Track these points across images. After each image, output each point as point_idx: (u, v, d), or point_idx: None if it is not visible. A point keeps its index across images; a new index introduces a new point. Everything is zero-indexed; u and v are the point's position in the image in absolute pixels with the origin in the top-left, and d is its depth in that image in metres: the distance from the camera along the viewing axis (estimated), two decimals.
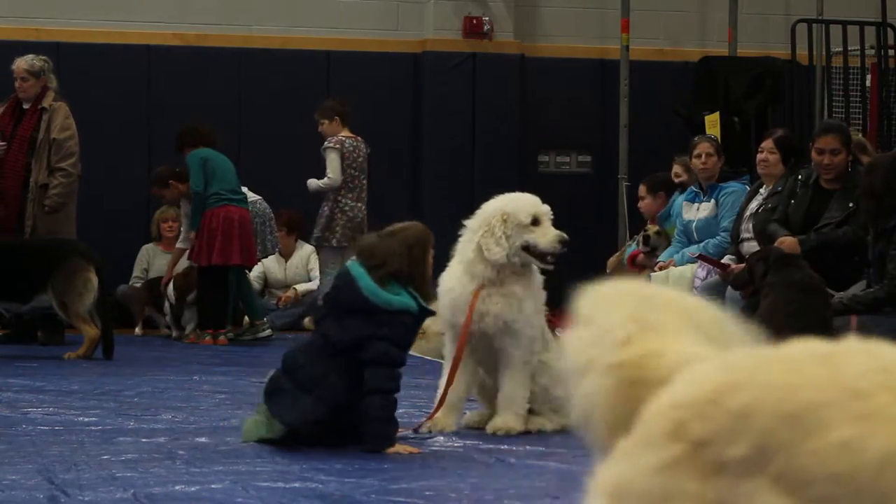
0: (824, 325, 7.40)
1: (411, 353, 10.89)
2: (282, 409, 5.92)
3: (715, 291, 9.43)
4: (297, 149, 13.83)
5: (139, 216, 13.62)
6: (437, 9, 14.37)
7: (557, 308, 8.12)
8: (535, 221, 6.63)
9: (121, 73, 13.77)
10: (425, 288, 6.07)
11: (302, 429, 5.87)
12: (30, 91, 11.26)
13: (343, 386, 5.85)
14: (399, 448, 5.87)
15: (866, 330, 7.68)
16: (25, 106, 11.31)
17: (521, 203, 6.69)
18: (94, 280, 10.22)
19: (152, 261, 13.24)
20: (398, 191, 14.30)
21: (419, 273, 6.01)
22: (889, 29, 13.25)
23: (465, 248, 6.64)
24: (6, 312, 11.42)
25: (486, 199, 6.85)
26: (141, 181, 13.63)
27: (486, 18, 14.36)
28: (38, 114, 11.23)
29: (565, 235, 6.60)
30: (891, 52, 13.22)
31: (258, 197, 12.82)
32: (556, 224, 6.69)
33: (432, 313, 6.21)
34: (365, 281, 5.85)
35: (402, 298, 5.87)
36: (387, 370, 5.84)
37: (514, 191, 6.92)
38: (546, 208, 6.70)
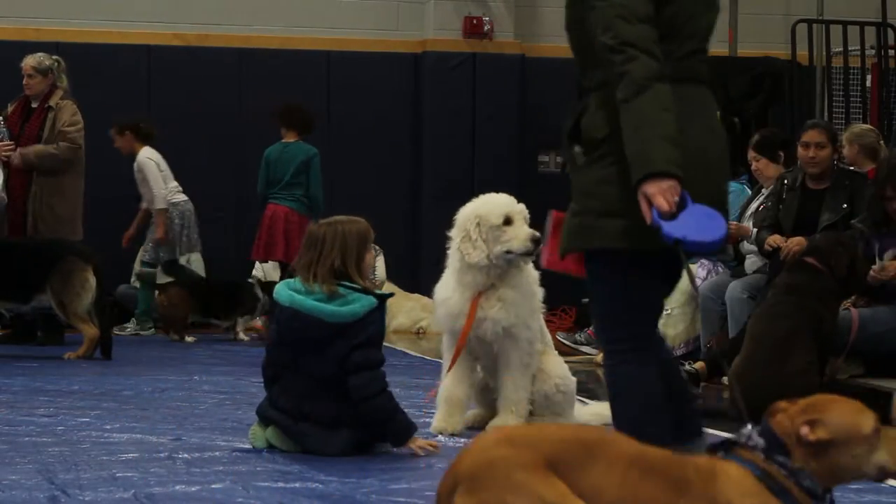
0: (814, 326, 7.36)
1: (411, 352, 10.95)
2: (316, 445, 5.83)
3: (716, 291, 9.44)
4: None
5: None
6: (437, 9, 14.37)
7: (557, 308, 8.15)
8: (508, 221, 6.57)
9: (121, 73, 13.77)
10: (362, 282, 5.87)
11: (346, 454, 5.81)
12: (35, 88, 11.28)
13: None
14: (421, 443, 5.87)
15: (868, 328, 7.69)
16: (34, 105, 11.35)
17: (493, 204, 6.63)
18: (92, 280, 10.21)
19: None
20: (398, 191, 14.30)
21: (354, 268, 5.84)
22: (889, 29, 13.24)
23: (452, 257, 6.65)
24: (6, 312, 11.42)
25: None
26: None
27: (486, 18, 14.36)
28: (45, 113, 11.25)
29: (537, 234, 6.43)
30: (891, 52, 13.22)
31: (185, 198, 12.83)
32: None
33: (390, 295, 6.11)
34: (322, 310, 5.73)
35: (362, 302, 5.76)
36: (369, 373, 5.78)
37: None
38: (520, 207, 6.60)
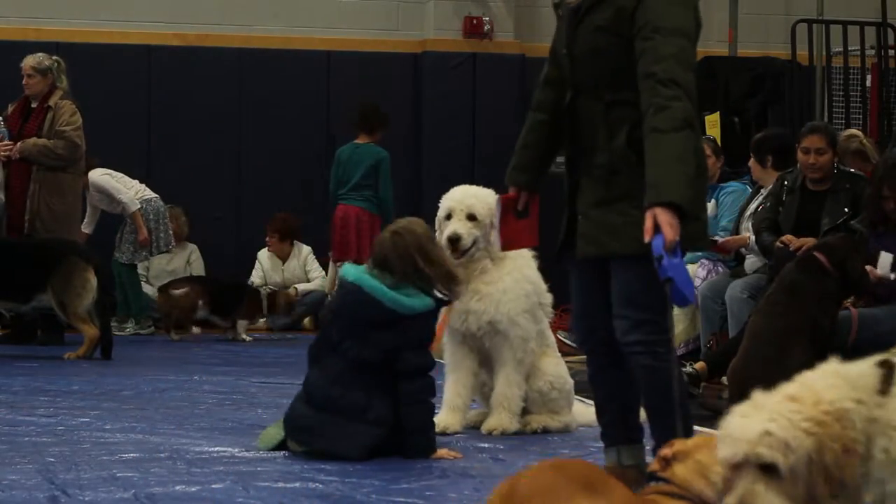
0: (810, 326, 7.35)
1: None
2: (331, 443, 5.75)
3: (715, 291, 9.44)
4: (297, 149, 13.84)
5: None
6: (437, 9, 14.37)
7: (558, 308, 8.10)
8: (448, 216, 6.65)
9: (121, 73, 13.77)
10: (451, 284, 5.90)
11: (360, 457, 5.70)
12: (35, 88, 11.29)
13: (389, 403, 5.77)
14: (442, 453, 5.85)
15: (867, 328, 7.68)
16: (33, 105, 11.37)
17: (447, 196, 6.74)
18: (93, 280, 10.21)
19: (152, 260, 13.23)
20: (398, 191, 14.28)
21: (440, 272, 5.86)
22: (889, 29, 13.24)
23: None
24: (6, 312, 11.42)
25: None
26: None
27: (486, 18, 14.36)
28: (44, 112, 11.26)
29: (456, 233, 6.49)
30: (891, 52, 13.22)
31: (155, 195, 12.81)
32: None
33: (448, 302, 6.09)
34: (384, 293, 5.73)
35: (422, 300, 5.78)
36: (422, 381, 5.80)
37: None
38: (469, 202, 6.61)
